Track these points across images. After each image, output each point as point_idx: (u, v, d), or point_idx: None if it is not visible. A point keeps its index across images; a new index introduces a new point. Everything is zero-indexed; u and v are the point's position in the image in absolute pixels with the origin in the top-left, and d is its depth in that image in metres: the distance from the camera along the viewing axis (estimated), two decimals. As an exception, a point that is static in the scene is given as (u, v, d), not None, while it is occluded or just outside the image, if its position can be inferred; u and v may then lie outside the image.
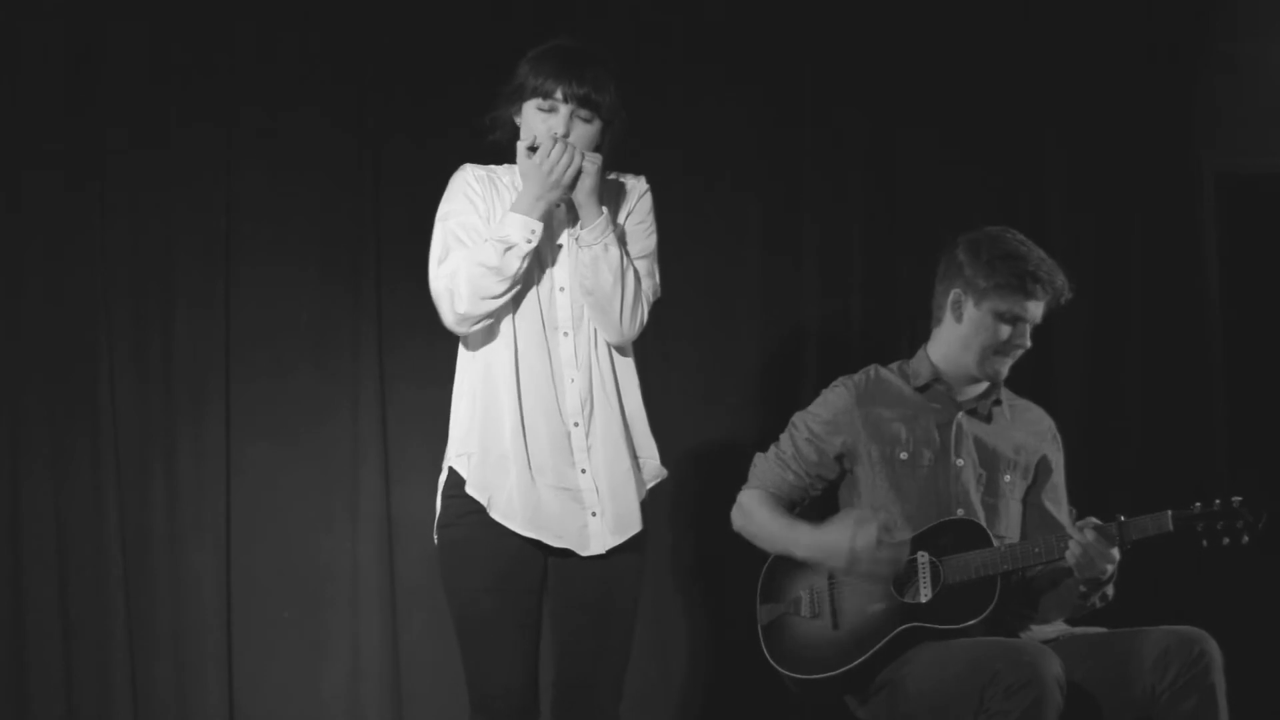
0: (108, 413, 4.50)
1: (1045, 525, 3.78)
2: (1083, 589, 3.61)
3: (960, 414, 3.81)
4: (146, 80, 4.56)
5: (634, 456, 3.40)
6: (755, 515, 3.88)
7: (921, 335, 4.90)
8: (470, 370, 3.38)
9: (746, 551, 4.55)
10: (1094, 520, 3.58)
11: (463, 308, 3.25)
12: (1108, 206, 5.07)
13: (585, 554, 3.32)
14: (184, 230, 4.59)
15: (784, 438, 3.92)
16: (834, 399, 3.89)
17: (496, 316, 3.31)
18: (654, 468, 3.47)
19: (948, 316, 3.84)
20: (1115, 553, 3.56)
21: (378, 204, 4.65)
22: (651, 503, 3.48)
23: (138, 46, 4.56)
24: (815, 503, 3.95)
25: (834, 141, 4.96)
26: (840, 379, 3.94)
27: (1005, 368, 3.81)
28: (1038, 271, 3.71)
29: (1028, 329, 3.76)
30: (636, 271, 3.34)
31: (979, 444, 3.80)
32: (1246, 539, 3.52)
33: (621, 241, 3.33)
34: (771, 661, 3.80)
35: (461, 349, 3.40)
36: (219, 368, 4.57)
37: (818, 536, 3.73)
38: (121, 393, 4.52)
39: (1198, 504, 3.55)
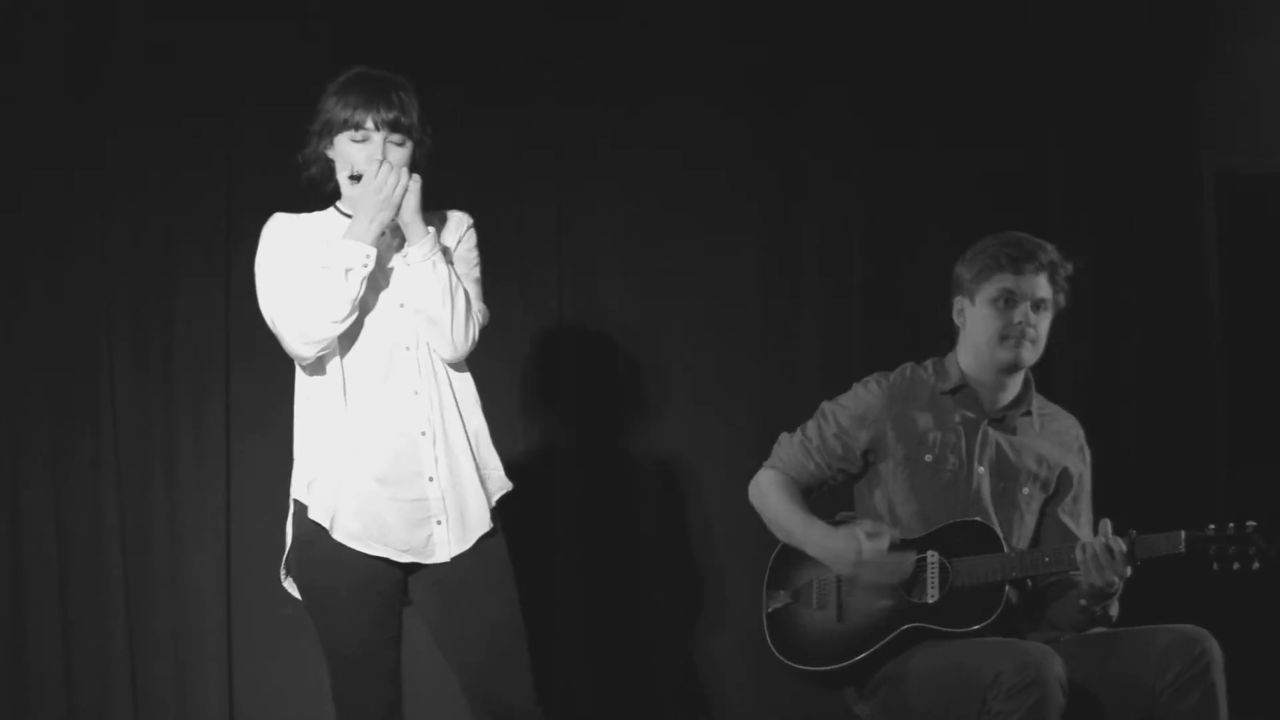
0: (108, 413, 4.50)
1: (1060, 538, 3.73)
2: (1083, 602, 3.59)
3: (986, 422, 3.78)
4: (147, 79, 4.57)
5: (479, 469, 3.42)
6: (770, 499, 3.86)
7: (922, 335, 4.94)
8: (306, 401, 3.43)
9: (744, 552, 4.57)
10: (1108, 530, 3.55)
11: (306, 328, 3.30)
12: (1108, 206, 5.07)
13: (430, 563, 3.35)
14: (184, 230, 4.59)
15: (811, 426, 3.89)
16: (865, 395, 3.85)
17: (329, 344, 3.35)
18: (499, 479, 3.47)
19: (958, 327, 3.82)
20: (1127, 570, 3.54)
21: (378, 203, 4.65)
22: (500, 513, 3.44)
23: (138, 45, 4.56)
24: (832, 491, 3.95)
25: (834, 142, 4.96)
26: (876, 376, 3.89)
27: (1022, 353, 3.71)
28: (1011, 246, 3.68)
29: (1027, 307, 3.69)
30: (466, 291, 3.38)
31: (1001, 454, 3.76)
32: (1257, 565, 3.47)
33: (449, 262, 3.38)
34: (774, 649, 3.80)
35: (297, 379, 3.45)
36: (219, 366, 4.58)
37: (828, 540, 3.72)
38: (121, 393, 4.53)
39: (1212, 526, 3.49)
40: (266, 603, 4.57)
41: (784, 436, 3.93)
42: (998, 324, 3.71)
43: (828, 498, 3.93)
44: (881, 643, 3.64)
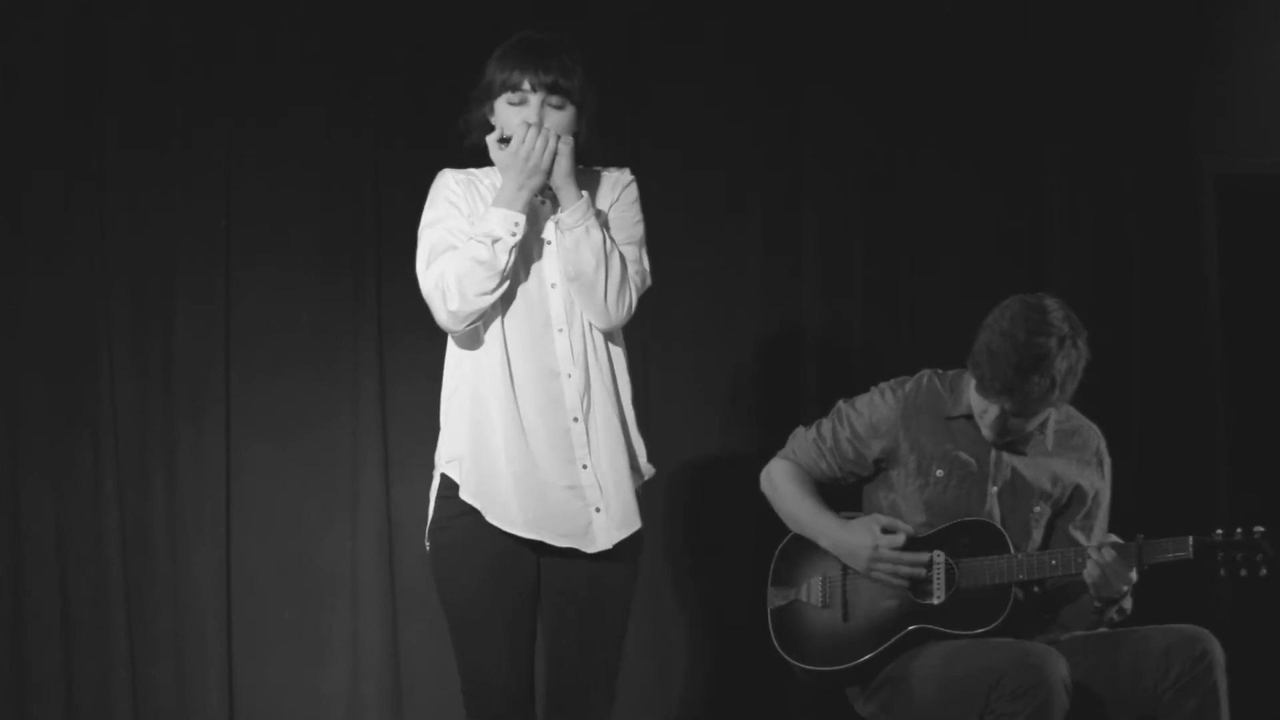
0: (108, 413, 4.50)
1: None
2: (1098, 604, 3.60)
3: (997, 446, 3.76)
4: (147, 81, 4.56)
5: (632, 452, 3.37)
6: (783, 490, 3.86)
7: (921, 335, 4.94)
8: (459, 373, 3.35)
9: (743, 554, 4.56)
10: (1114, 538, 3.56)
11: (454, 305, 3.23)
12: (1108, 208, 5.06)
13: (592, 550, 3.28)
14: (184, 230, 4.59)
15: (826, 425, 3.88)
16: (881, 406, 3.83)
17: (486, 315, 3.28)
18: (643, 464, 3.42)
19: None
20: (1133, 574, 3.54)
21: (377, 203, 4.65)
22: (643, 500, 3.41)
23: (138, 47, 4.56)
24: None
25: (834, 142, 4.95)
26: (892, 384, 3.86)
27: (1004, 438, 3.71)
28: (996, 381, 3.56)
29: (1003, 422, 3.64)
30: (622, 255, 3.31)
31: (1017, 476, 3.75)
32: (1264, 572, 3.48)
33: (604, 225, 3.30)
34: (778, 648, 3.80)
35: (450, 350, 3.37)
36: (219, 368, 4.57)
37: (842, 534, 3.73)
38: (121, 393, 4.52)
39: (1219, 531, 3.50)
40: (267, 604, 4.58)
41: (799, 430, 3.92)
42: (988, 419, 3.67)
43: (833, 497, 3.93)
44: (887, 644, 3.64)
